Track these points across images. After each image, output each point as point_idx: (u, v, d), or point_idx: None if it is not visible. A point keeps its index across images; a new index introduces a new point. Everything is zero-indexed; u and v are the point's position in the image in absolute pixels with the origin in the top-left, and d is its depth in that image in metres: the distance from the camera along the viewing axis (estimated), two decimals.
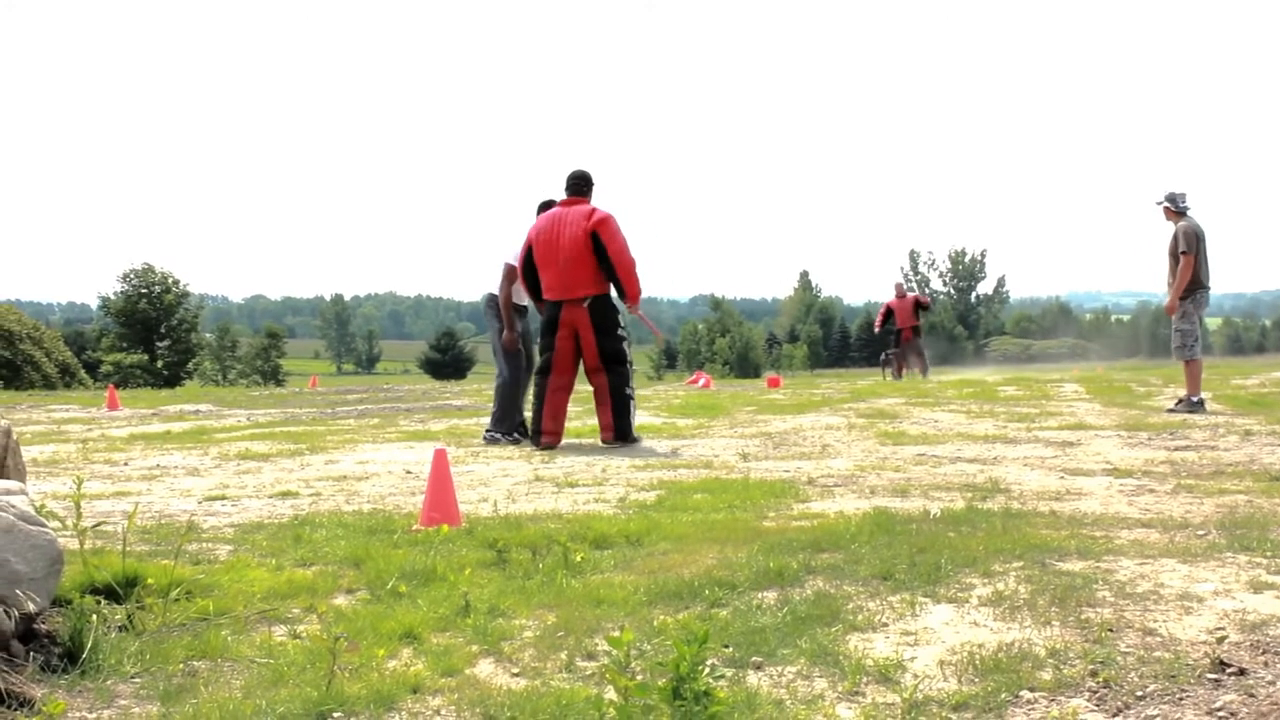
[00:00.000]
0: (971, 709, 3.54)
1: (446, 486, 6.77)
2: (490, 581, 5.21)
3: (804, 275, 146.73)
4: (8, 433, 5.76)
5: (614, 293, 11.75)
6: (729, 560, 5.46)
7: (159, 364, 67.07)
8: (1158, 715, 3.46)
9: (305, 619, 4.73)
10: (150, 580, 4.94)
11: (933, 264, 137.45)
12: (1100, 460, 9.36)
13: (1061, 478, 8.34)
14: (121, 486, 8.75)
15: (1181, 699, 3.57)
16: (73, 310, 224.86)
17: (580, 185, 11.84)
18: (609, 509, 7.25)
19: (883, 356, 30.12)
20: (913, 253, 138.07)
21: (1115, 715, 3.47)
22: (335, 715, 3.59)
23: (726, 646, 4.16)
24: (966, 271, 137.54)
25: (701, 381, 26.82)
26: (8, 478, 5.44)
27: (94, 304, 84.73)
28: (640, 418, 14.36)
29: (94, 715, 3.68)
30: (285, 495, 8.17)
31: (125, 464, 10.44)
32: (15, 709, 3.61)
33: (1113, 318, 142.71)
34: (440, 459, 6.84)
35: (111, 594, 4.83)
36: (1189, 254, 14.13)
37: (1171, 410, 14.25)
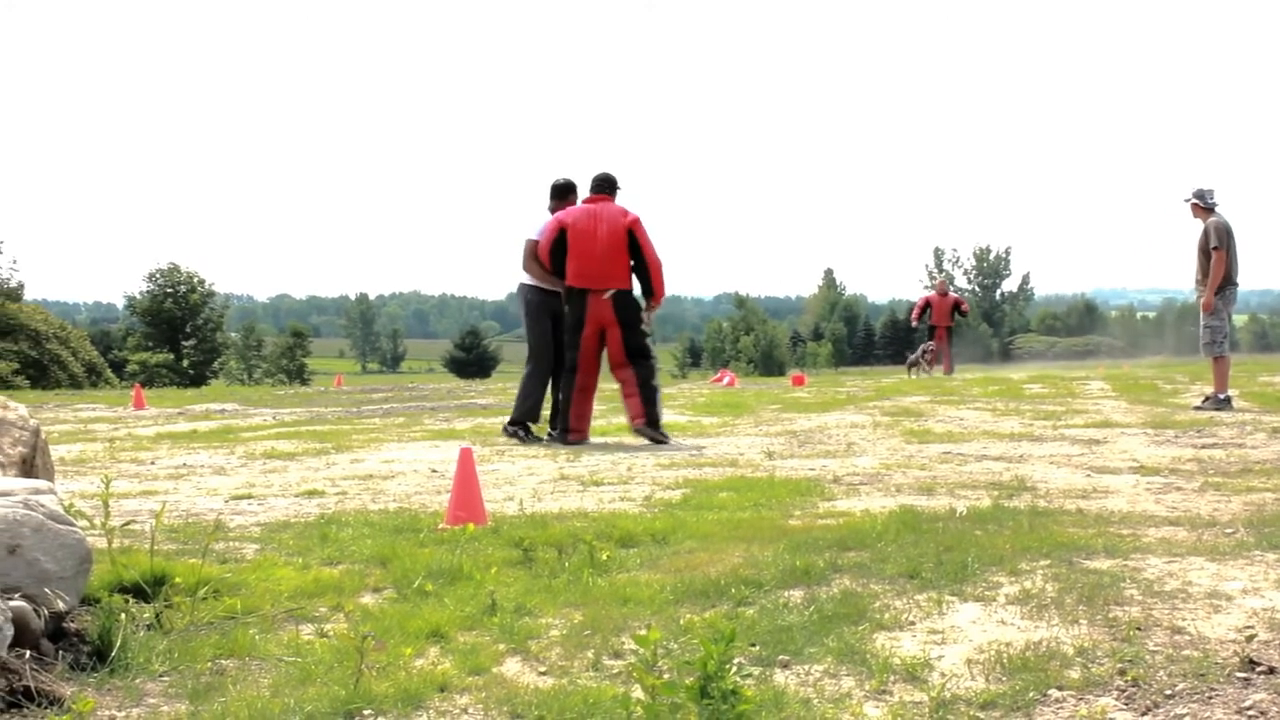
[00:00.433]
0: (999, 708, 3.53)
1: (472, 485, 6.77)
2: (516, 580, 5.21)
3: (828, 273, 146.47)
4: (36, 432, 5.79)
5: (637, 290, 11.95)
6: (755, 559, 5.46)
7: (185, 363, 67.40)
8: (1187, 714, 3.45)
9: (332, 618, 4.74)
10: (178, 579, 4.95)
11: (957, 261, 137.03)
12: (1127, 458, 9.33)
13: (1088, 476, 8.32)
14: (148, 485, 8.79)
15: (1211, 698, 3.56)
16: (99, 310, 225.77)
17: (607, 186, 12.08)
18: (634, 507, 7.25)
19: (912, 356, 29.26)
20: (937, 250, 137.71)
21: (1144, 714, 3.46)
22: (364, 714, 3.59)
23: (753, 645, 4.15)
24: (991, 269, 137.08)
25: (726, 380, 26.80)
26: (36, 477, 5.47)
27: (120, 303, 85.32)
28: (665, 416, 14.35)
29: (123, 713, 3.69)
30: (311, 494, 8.19)
31: (152, 463, 10.48)
32: (45, 707, 3.63)
33: (1138, 315, 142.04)
34: (466, 458, 6.85)
35: (139, 593, 4.85)
36: (1221, 249, 14.07)
37: (1198, 408, 14.20)
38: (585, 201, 12.09)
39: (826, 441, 11.40)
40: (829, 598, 4.76)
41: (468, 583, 5.13)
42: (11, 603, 3.94)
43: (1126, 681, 3.69)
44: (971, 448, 10.39)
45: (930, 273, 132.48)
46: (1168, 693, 3.60)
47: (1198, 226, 14.48)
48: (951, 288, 31.49)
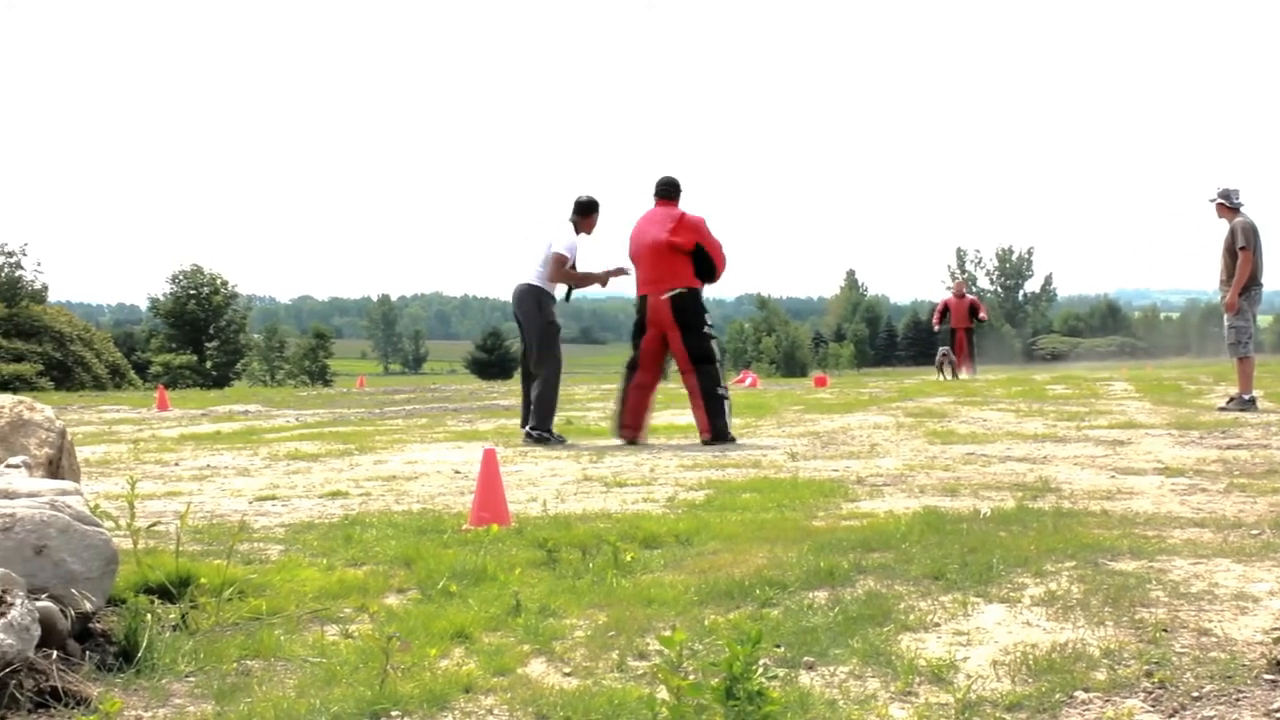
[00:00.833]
0: (1025, 709, 3.52)
1: (496, 486, 6.78)
2: (541, 581, 5.21)
3: (850, 274, 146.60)
4: (62, 434, 5.82)
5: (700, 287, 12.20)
6: (779, 560, 5.45)
7: (208, 364, 67.66)
8: (1214, 716, 3.43)
9: (357, 618, 4.75)
10: (203, 580, 4.96)
11: (979, 262, 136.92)
12: (1151, 459, 9.29)
13: (1112, 477, 8.29)
14: (173, 487, 8.81)
15: (1238, 700, 3.54)
16: (122, 311, 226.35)
17: (669, 190, 12.36)
18: (658, 508, 7.25)
19: (938, 357, 28.91)
20: (960, 251, 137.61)
21: (1171, 716, 3.44)
22: (390, 714, 3.60)
23: (778, 646, 4.15)
24: (1014, 270, 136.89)
25: (749, 381, 26.79)
26: (63, 478, 5.49)
27: (143, 305, 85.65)
28: (688, 416, 14.36)
29: (149, 714, 3.70)
30: (335, 495, 8.21)
31: (176, 464, 10.51)
32: (72, 707, 3.64)
33: (1162, 315, 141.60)
34: (490, 459, 6.85)
35: (165, 593, 4.87)
36: (1247, 249, 14.01)
37: (1223, 408, 14.15)
38: (654, 207, 12.36)
39: (850, 442, 11.39)
40: (853, 599, 4.76)
41: (492, 584, 5.13)
42: (39, 603, 3.95)
43: (1153, 683, 3.68)
44: (995, 449, 10.36)
45: (952, 273, 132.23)
46: (1194, 695, 3.59)
47: (1222, 227, 14.42)
48: (974, 288, 31.31)
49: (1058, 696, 3.59)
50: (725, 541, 6.00)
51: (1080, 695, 3.61)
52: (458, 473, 9.43)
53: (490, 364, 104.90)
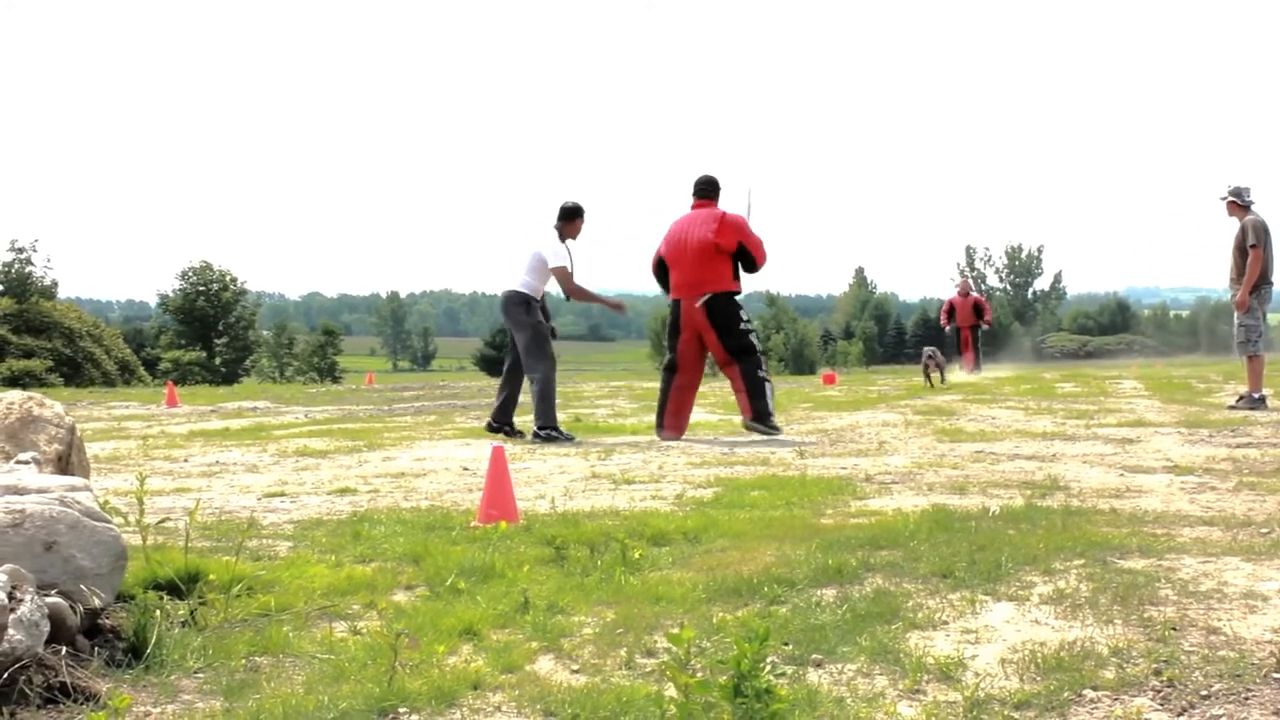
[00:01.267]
0: (1034, 707, 3.51)
1: (504, 483, 6.78)
2: (549, 578, 5.21)
3: (859, 271, 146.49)
4: (72, 429, 5.83)
5: (738, 288, 12.34)
6: (787, 557, 5.45)
7: (217, 361, 67.80)
8: (1223, 715, 3.43)
9: (365, 615, 4.75)
10: (212, 576, 4.97)
11: (989, 260, 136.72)
12: (1160, 457, 9.28)
13: (1121, 475, 8.28)
14: (182, 483, 8.82)
15: (1247, 698, 3.54)
16: (132, 308, 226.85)
17: (708, 189, 12.47)
18: (666, 506, 7.25)
19: (924, 360, 25.05)
20: (969, 249, 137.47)
21: (1180, 715, 3.44)
22: (398, 711, 3.60)
23: (786, 644, 4.14)
24: (1023, 267, 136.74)
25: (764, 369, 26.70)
26: (72, 474, 5.50)
27: (153, 301, 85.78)
28: (697, 414, 14.38)
29: (158, 710, 3.71)
30: (344, 492, 8.21)
31: (185, 460, 10.52)
32: (81, 703, 3.65)
33: (1171, 314, 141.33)
34: (498, 456, 6.85)
35: (174, 590, 4.87)
36: (1258, 248, 13.98)
37: (1233, 407, 14.13)
38: (692, 207, 12.43)
39: (858, 440, 11.39)
40: (862, 597, 4.75)
41: (500, 581, 5.13)
42: (48, 599, 3.96)
43: (1162, 682, 3.67)
44: (1004, 446, 10.36)
45: (961, 270, 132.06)
46: (1203, 693, 3.58)
47: (1232, 225, 14.40)
48: (983, 287, 31.10)
49: (1066, 695, 3.59)
50: (733, 539, 5.99)
51: (1089, 693, 3.60)
52: (466, 470, 9.44)
53: (499, 361, 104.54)
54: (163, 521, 5.74)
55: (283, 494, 8.18)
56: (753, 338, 12.27)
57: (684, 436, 12.18)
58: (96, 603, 4.25)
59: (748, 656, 3.05)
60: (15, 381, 35.10)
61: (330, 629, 4.56)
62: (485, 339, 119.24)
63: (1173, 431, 11.47)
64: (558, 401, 12.87)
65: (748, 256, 12.12)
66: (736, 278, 12.19)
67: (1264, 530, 5.96)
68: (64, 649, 3.88)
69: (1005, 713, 3.47)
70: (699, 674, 3.55)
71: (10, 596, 3.73)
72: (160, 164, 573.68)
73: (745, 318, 12.28)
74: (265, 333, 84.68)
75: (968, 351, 29.26)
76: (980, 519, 6.33)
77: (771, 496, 7.42)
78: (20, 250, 47.59)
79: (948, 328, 30.10)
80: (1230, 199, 14.36)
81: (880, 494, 7.62)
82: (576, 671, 3.98)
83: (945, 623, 4.43)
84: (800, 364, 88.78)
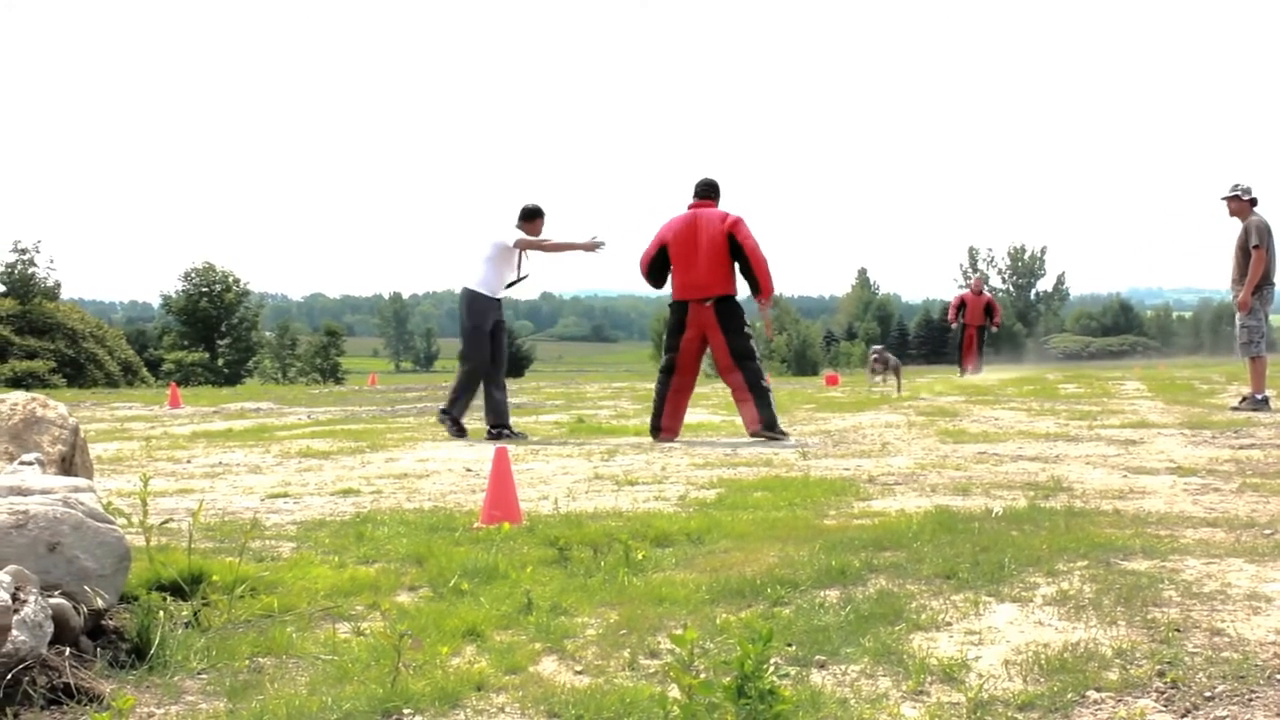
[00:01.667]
0: (1038, 709, 3.51)
1: (507, 484, 6.78)
2: (552, 579, 5.21)
3: (862, 272, 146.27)
4: (75, 430, 5.83)
5: (740, 293, 12.25)
6: (791, 558, 5.45)
7: (220, 362, 67.82)
8: (1227, 716, 3.42)
9: (369, 616, 4.75)
10: (215, 577, 4.97)
11: (992, 261, 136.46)
12: (1164, 458, 9.28)
13: (1125, 476, 8.28)
14: (185, 484, 8.83)
15: (1251, 700, 3.54)
16: (135, 309, 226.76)
17: (709, 191, 12.39)
18: (669, 507, 7.25)
19: (870, 360, 21.25)
20: (972, 250, 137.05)
21: (1184, 716, 3.44)
22: (401, 712, 3.60)
23: (790, 645, 4.14)
24: (1026, 268, 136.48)
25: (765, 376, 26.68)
26: (75, 475, 5.50)
27: (156, 302, 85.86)
28: (700, 415, 14.39)
29: (162, 711, 3.71)
30: (347, 493, 8.21)
31: (188, 461, 10.52)
32: (85, 704, 3.65)
33: (1174, 315, 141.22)
34: (501, 457, 6.86)
35: (177, 590, 4.87)
36: (1260, 248, 13.96)
37: (1236, 408, 14.12)
38: (690, 207, 12.31)
39: (861, 441, 11.38)
40: (865, 598, 4.75)
41: (503, 582, 5.13)
42: (52, 600, 3.96)
43: (1165, 683, 3.67)
44: (1007, 448, 10.35)
45: (964, 271, 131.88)
46: (1207, 695, 3.58)
47: (1234, 225, 14.38)
48: (985, 288, 30.81)
49: (1070, 696, 3.58)
50: (737, 540, 5.99)
51: (1092, 695, 3.60)
52: (469, 470, 9.44)
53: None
54: (166, 522, 5.74)
55: (286, 495, 8.18)
56: (753, 342, 12.22)
57: (687, 438, 12.17)
58: (100, 604, 4.25)
59: (751, 657, 3.05)
60: (18, 382, 35.09)
61: (334, 630, 4.56)
62: None
63: (1176, 433, 11.47)
64: (511, 404, 13.26)
65: (747, 264, 12.01)
66: (736, 281, 12.15)
67: (1267, 532, 5.95)
68: (68, 650, 3.89)
69: (1009, 714, 3.47)
70: (702, 675, 3.54)
71: (14, 597, 3.73)
72: (163, 165, 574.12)
73: (748, 321, 12.26)
74: (268, 334, 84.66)
75: (971, 350, 29.07)
76: (983, 520, 6.33)
77: (774, 498, 7.42)
78: (23, 251, 47.55)
79: (955, 324, 29.87)
80: (1235, 195, 14.30)
81: (883, 495, 7.61)
82: (580, 672, 3.99)
83: (949, 624, 4.43)
84: (803, 365, 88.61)
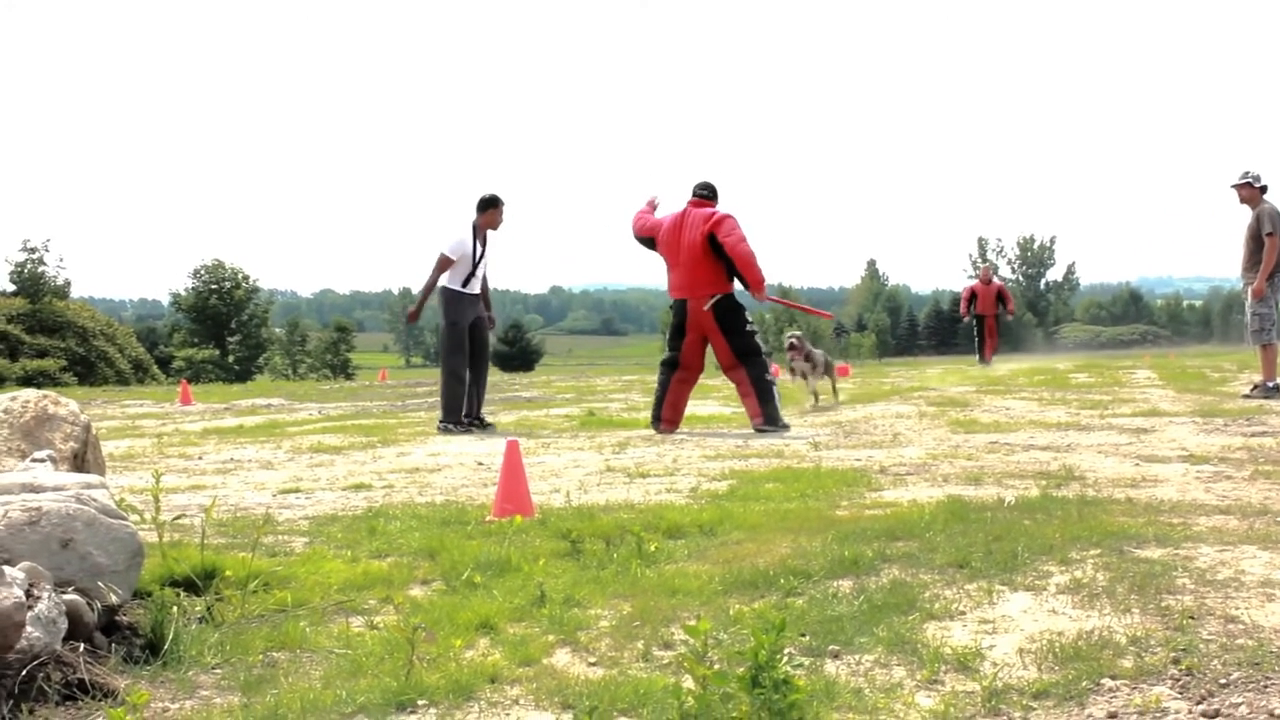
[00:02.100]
0: (1052, 697, 3.50)
1: (519, 477, 6.79)
2: (565, 572, 5.21)
3: (871, 264, 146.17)
4: (87, 428, 5.84)
5: (738, 288, 12.20)
6: (803, 549, 5.44)
7: (230, 359, 67.97)
8: (1242, 703, 3.41)
9: (382, 610, 4.75)
10: (228, 572, 4.98)
11: (1001, 251, 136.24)
12: (1176, 447, 9.26)
13: (1137, 464, 8.26)
14: (197, 480, 8.84)
15: (1266, 686, 3.53)
16: (145, 306, 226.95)
17: (704, 192, 12.38)
18: (681, 499, 7.25)
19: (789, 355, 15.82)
20: (981, 240, 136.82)
21: (1199, 703, 3.43)
22: (416, 705, 3.60)
23: (803, 635, 4.14)
24: (1036, 258, 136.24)
25: (770, 371, 26.68)
26: (88, 472, 5.51)
27: (166, 300, 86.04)
28: (710, 408, 14.40)
29: (176, 705, 3.72)
30: (358, 488, 8.22)
31: (199, 458, 10.54)
32: (99, 699, 3.66)
33: (1185, 303, 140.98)
34: (513, 450, 6.86)
35: (191, 586, 4.88)
36: (1275, 235, 13.92)
37: (1247, 396, 14.10)
38: (688, 205, 12.33)
39: (872, 432, 11.38)
40: (878, 588, 4.75)
41: (516, 574, 5.13)
42: (65, 596, 3.97)
43: (1180, 670, 3.66)
44: (1018, 437, 10.34)
45: (974, 261, 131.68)
46: (1222, 681, 3.57)
47: (1244, 213, 14.34)
48: (995, 277, 30.75)
49: (1085, 684, 3.58)
50: (749, 531, 5.99)
51: (1107, 683, 3.59)
52: (480, 464, 9.45)
53: (512, 356, 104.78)
54: (178, 518, 5.75)
55: (298, 490, 8.19)
56: (757, 339, 12.22)
57: (699, 430, 12.17)
58: (113, 599, 4.26)
59: (765, 648, 3.05)
60: (29, 381, 35.16)
61: (347, 624, 4.56)
62: (498, 335, 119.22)
63: (1187, 421, 11.45)
64: (470, 396, 13.38)
65: (734, 265, 11.96)
66: (730, 280, 12.10)
67: None
68: (82, 646, 3.89)
69: (1024, 702, 3.47)
70: (716, 665, 3.55)
71: (28, 594, 3.74)
72: (172, 163, 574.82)
73: (749, 318, 12.25)
74: (278, 330, 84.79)
75: (991, 339, 29.11)
76: (996, 509, 6.31)
77: (786, 489, 7.41)
78: (33, 250, 47.59)
79: (967, 316, 29.88)
80: (1249, 181, 14.25)
81: (895, 485, 7.61)
82: (593, 664, 3.99)
83: (962, 613, 4.42)
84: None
